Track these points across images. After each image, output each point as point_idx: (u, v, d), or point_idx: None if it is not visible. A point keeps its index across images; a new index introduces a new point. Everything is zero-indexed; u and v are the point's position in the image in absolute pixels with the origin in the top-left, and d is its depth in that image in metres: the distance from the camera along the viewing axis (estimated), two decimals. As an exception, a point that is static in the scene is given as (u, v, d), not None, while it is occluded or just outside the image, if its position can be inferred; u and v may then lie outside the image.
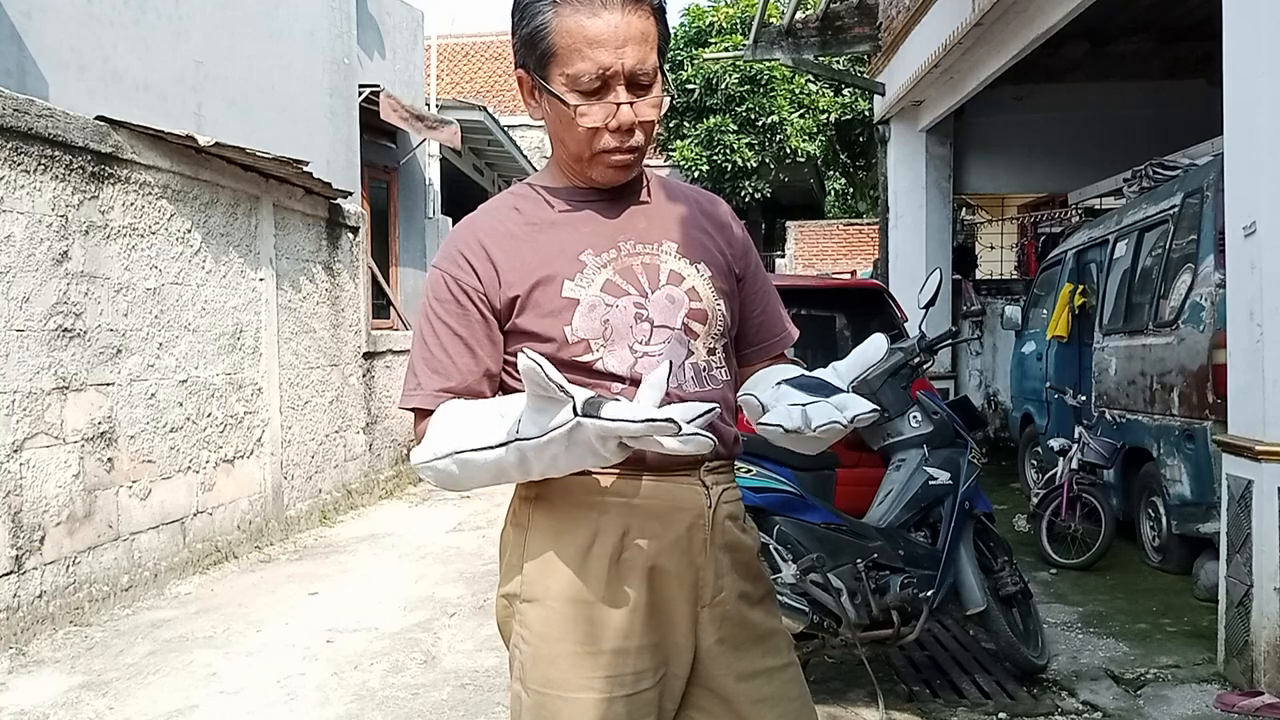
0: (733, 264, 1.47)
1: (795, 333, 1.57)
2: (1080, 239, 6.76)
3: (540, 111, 1.39)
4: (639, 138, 1.34)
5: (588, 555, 1.32)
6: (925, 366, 3.49)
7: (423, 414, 1.35)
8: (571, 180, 1.41)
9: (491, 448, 1.21)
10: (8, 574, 3.95)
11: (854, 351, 1.42)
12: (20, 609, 4.00)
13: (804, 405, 1.26)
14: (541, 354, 1.29)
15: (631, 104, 1.31)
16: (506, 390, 1.40)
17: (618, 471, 1.31)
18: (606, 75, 1.28)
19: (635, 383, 1.31)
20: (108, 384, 4.60)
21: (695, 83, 16.83)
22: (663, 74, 1.36)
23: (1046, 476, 5.70)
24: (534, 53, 1.32)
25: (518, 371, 1.33)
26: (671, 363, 1.32)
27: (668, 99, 1.39)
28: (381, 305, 8.79)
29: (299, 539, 6.20)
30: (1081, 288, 6.44)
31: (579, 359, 1.33)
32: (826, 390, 1.32)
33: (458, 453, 1.24)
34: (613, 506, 1.33)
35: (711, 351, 1.40)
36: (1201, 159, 5.14)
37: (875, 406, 1.29)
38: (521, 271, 1.35)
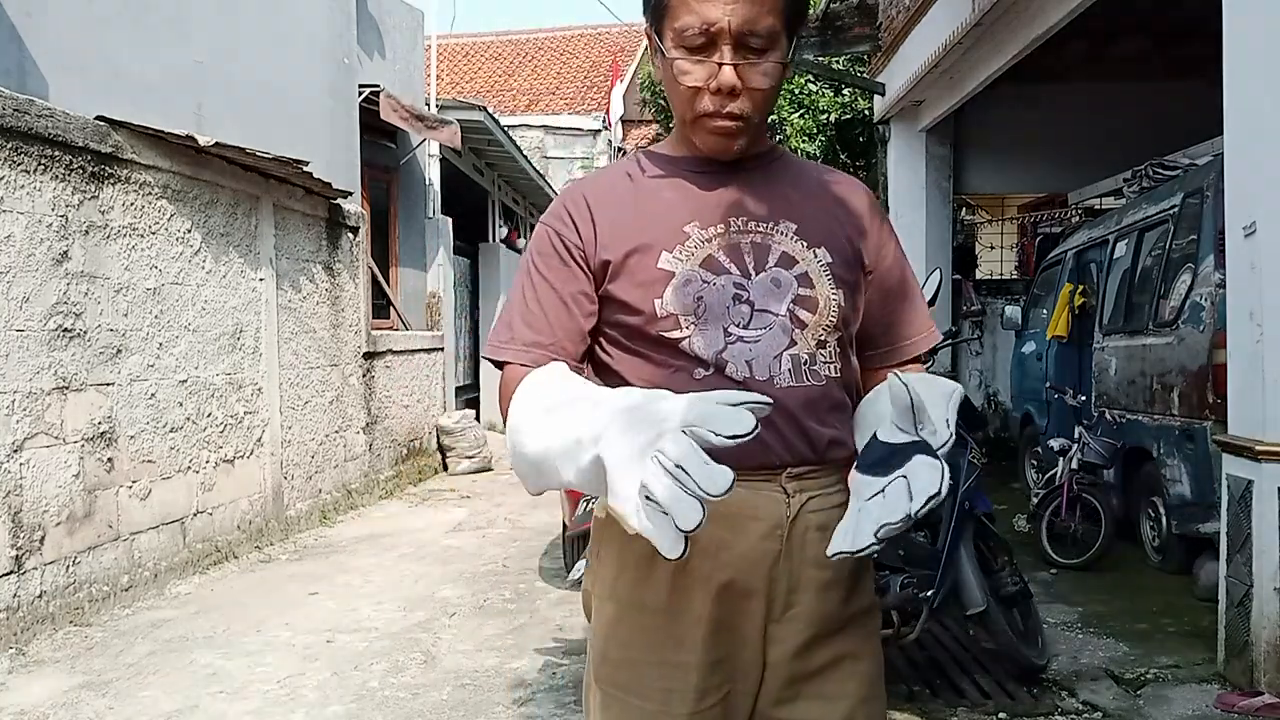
0: (862, 254, 1.34)
1: (934, 338, 1.42)
2: (1080, 239, 6.76)
3: (659, 73, 1.31)
4: (744, 105, 1.23)
5: (654, 560, 1.22)
6: (926, 366, 3.49)
7: (512, 367, 1.27)
8: (689, 149, 1.32)
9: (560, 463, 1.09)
10: (8, 574, 3.95)
11: (922, 385, 1.21)
12: (20, 609, 4.00)
13: (867, 503, 1.11)
14: (629, 327, 1.26)
15: (736, 66, 1.20)
16: (595, 360, 1.33)
17: None
18: (711, 31, 1.19)
19: (720, 369, 1.23)
20: (108, 384, 4.60)
21: (695, 83, 16.83)
22: (789, 42, 1.25)
23: (1046, 476, 5.70)
24: (651, 4, 1.26)
25: (607, 341, 1.30)
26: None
27: (782, 69, 1.25)
28: (381, 305, 8.79)
29: (299, 539, 6.20)
30: (1081, 288, 6.44)
31: (666, 334, 1.24)
32: (896, 457, 1.14)
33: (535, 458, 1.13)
34: None
35: (821, 344, 1.28)
36: (1201, 159, 5.14)
37: (947, 474, 1.11)
38: (620, 236, 1.28)
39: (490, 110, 10.09)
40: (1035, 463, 6.76)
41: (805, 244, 1.29)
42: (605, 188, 1.33)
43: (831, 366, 1.29)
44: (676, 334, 1.24)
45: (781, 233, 1.29)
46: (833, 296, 1.28)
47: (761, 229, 1.29)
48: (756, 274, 1.27)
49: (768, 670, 1.26)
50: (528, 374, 1.20)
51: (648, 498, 0.96)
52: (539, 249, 1.32)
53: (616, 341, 1.30)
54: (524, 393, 1.16)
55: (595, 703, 1.31)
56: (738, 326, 1.24)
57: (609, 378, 1.31)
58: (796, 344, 1.26)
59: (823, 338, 1.27)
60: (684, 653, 1.24)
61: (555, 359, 1.24)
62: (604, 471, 1.01)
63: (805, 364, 1.26)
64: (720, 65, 1.20)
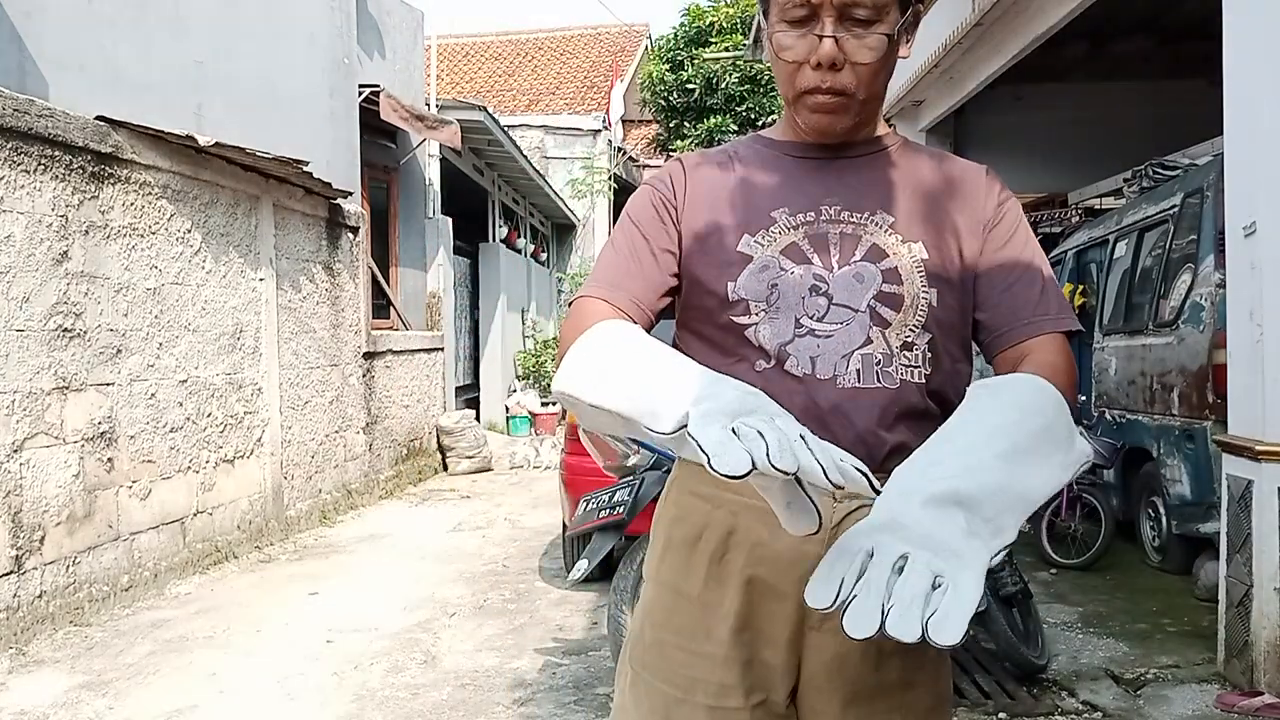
0: (967, 249, 1.23)
1: (1065, 322, 1.20)
2: (1080, 239, 6.76)
3: (766, 53, 1.26)
4: (847, 79, 1.16)
5: (695, 548, 1.22)
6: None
7: (589, 300, 1.21)
8: (794, 133, 1.27)
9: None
10: (8, 574, 3.95)
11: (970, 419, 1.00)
12: (20, 609, 4.00)
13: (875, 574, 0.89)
14: (700, 307, 1.21)
15: (838, 39, 1.14)
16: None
17: None
18: (813, 3, 1.14)
19: (780, 362, 1.17)
20: (108, 384, 4.60)
21: (695, 82, 16.83)
22: (902, 13, 1.18)
23: (1046, 476, 5.69)
24: None
25: (678, 319, 1.26)
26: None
27: (891, 43, 1.17)
28: (381, 305, 8.79)
29: (299, 539, 6.20)
30: (1081, 287, 6.44)
31: (735, 320, 1.19)
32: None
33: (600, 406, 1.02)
34: (725, 502, 1.20)
35: (907, 346, 1.18)
36: (1201, 159, 5.15)
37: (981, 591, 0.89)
38: (707, 212, 1.24)
39: (490, 110, 10.09)
40: (1035, 463, 6.74)
41: (900, 238, 1.20)
42: (707, 165, 1.30)
43: (915, 370, 1.18)
44: (745, 319, 1.19)
45: (876, 224, 1.21)
46: (923, 295, 1.19)
47: (855, 219, 1.22)
48: (840, 266, 1.19)
49: (804, 681, 1.20)
50: (610, 312, 1.16)
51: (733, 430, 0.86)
52: (636, 204, 1.29)
53: (685, 323, 1.28)
54: (609, 326, 1.09)
55: (625, 682, 1.30)
56: (810, 318, 1.17)
57: None
58: (873, 343, 1.17)
59: (909, 339, 1.18)
60: (711, 644, 1.20)
61: (636, 303, 1.20)
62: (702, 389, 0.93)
63: (879, 365, 1.17)
64: (821, 38, 1.15)
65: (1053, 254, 7.48)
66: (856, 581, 0.85)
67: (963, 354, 1.24)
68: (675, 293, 1.26)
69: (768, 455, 0.83)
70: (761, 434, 0.85)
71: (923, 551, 0.86)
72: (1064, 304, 1.22)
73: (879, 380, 1.17)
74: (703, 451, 0.84)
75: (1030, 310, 1.20)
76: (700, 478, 1.20)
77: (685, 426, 0.89)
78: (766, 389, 1.09)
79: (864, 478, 0.88)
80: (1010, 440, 0.95)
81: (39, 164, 4.19)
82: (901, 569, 0.86)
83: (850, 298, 1.18)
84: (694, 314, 1.25)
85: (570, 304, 1.24)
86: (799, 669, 1.20)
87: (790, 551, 1.16)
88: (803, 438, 0.86)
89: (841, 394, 1.16)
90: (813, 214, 1.22)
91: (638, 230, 1.26)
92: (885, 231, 1.21)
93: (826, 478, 0.84)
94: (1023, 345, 1.19)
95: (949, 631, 0.80)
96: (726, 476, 0.82)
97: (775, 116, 16.87)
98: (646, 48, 20.18)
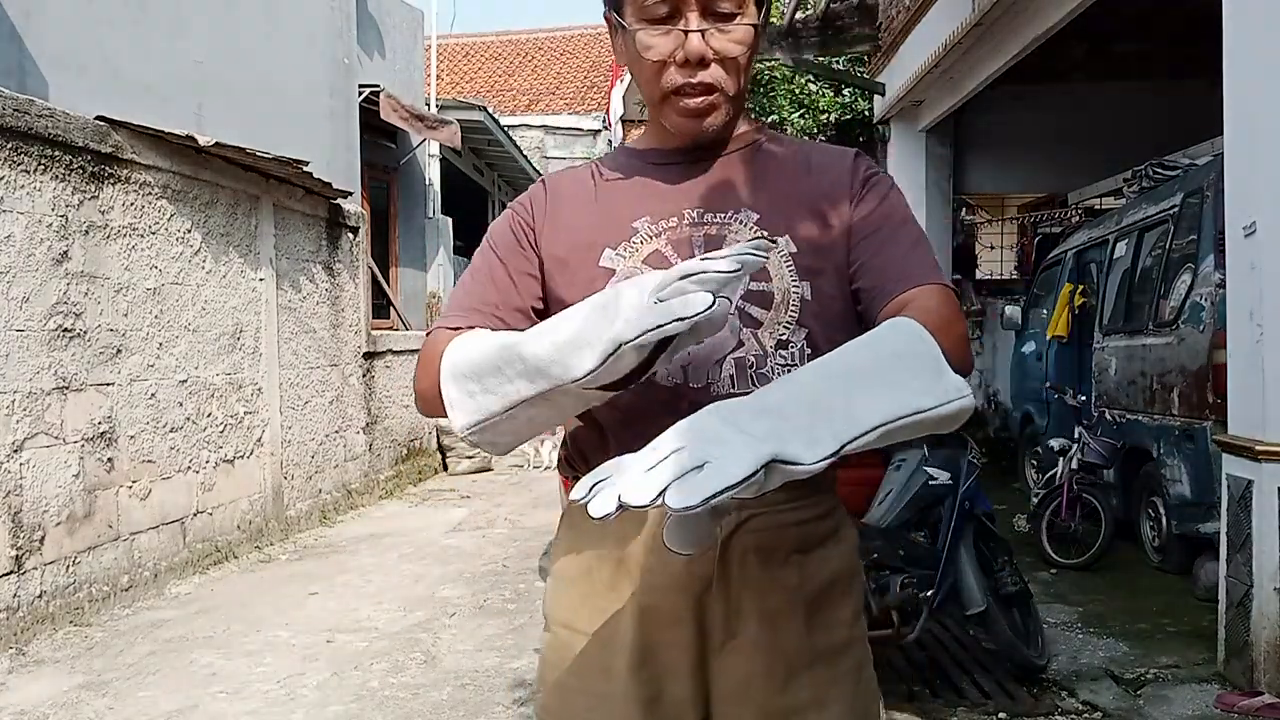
0: (838, 234, 1.19)
1: (935, 278, 1.13)
2: (1080, 239, 6.76)
3: (623, 57, 1.21)
4: (716, 74, 1.13)
5: (585, 582, 1.18)
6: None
7: (441, 330, 1.18)
8: (659, 139, 1.24)
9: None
10: (8, 574, 3.95)
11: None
12: (20, 609, 4.00)
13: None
14: None
15: (703, 33, 1.11)
16: None
17: None
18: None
19: (650, 376, 1.11)
20: (108, 384, 4.60)
21: (695, 83, 16.83)
22: (759, 5, 1.15)
23: (1046, 476, 5.70)
24: None
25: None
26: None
27: (756, 34, 1.15)
28: (381, 305, 8.79)
29: (299, 539, 6.20)
30: (1081, 288, 6.44)
31: None
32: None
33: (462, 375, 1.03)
34: (612, 532, 1.14)
35: (782, 344, 1.13)
36: (1201, 159, 5.15)
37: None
38: (569, 232, 1.20)
39: (490, 110, 10.10)
40: (1035, 463, 6.76)
41: (766, 234, 1.16)
42: (571, 183, 1.26)
43: (792, 369, 1.10)
44: None
45: (740, 223, 1.17)
46: (795, 289, 1.14)
47: (719, 220, 1.17)
48: None
49: (714, 711, 1.15)
50: (459, 334, 1.12)
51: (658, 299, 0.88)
52: (495, 231, 1.26)
53: None
54: (459, 342, 1.07)
55: None
56: None
57: None
58: (745, 345, 1.12)
59: (784, 336, 1.13)
60: (610, 683, 1.15)
61: (498, 320, 1.17)
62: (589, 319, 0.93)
63: (752, 367, 1.12)
64: (686, 33, 1.11)
65: (1053, 254, 7.49)
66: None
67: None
68: (541, 316, 1.19)
69: (715, 273, 0.87)
70: (685, 276, 0.88)
71: (699, 444, 0.80)
72: (935, 264, 1.17)
73: (754, 383, 1.11)
74: (663, 326, 0.87)
75: (899, 267, 1.14)
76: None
77: (619, 345, 0.88)
78: (637, 405, 1.09)
79: (759, 246, 0.93)
80: (842, 362, 0.90)
81: (39, 164, 4.19)
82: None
83: None
84: None
85: (427, 334, 1.20)
86: (708, 699, 1.15)
87: (682, 575, 1.12)
88: (703, 269, 0.89)
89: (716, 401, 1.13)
90: (675, 219, 1.18)
91: (495, 255, 1.23)
92: (750, 229, 1.17)
93: (741, 267, 0.89)
94: (897, 300, 1.11)
95: (684, 496, 0.75)
96: (705, 313, 0.86)
97: (775, 116, 16.83)
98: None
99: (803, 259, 1.16)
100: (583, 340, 0.92)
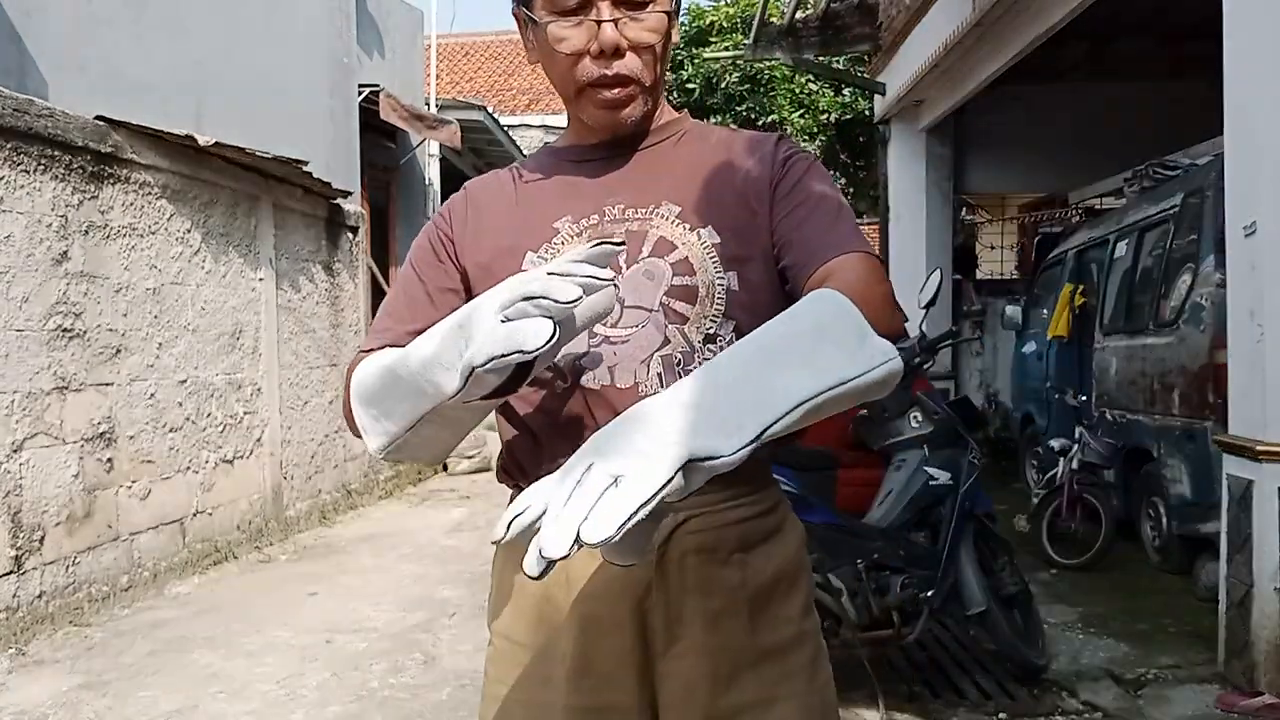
0: (761, 221, 1.15)
1: (859, 247, 1.09)
2: (1080, 239, 6.76)
3: (535, 53, 1.18)
4: (632, 65, 1.11)
5: (523, 592, 1.16)
6: (926, 366, 3.49)
7: (362, 357, 1.17)
8: (579, 136, 1.22)
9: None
10: (8, 574, 3.95)
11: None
12: (20, 609, 4.00)
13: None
14: None
15: (616, 22, 1.08)
16: None
17: None
18: None
19: (577, 378, 1.10)
20: (107, 384, 4.60)
21: (695, 82, 16.83)
22: None
23: (1047, 477, 5.70)
24: None
25: None
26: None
27: (670, 21, 1.13)
28: (381, 305, 8.80)
29: (299, 539, 6.20)
30: (1082, 288, 6.44)
31: None
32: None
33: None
34: None
35: (710, 339, 1.10)
36: (1201, 159, 5.14)
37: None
38: (489, 237, 1.18)
39: (490, 110, 10.10)
40: (1035, 463, 6.76)
41: (688, 226, 1.13)
42: (491, 189, 1.24)
43: None
44: None
45: (662, 216, 1.14)
46: (719, 281, 1.11)
47: (640, 214, 1.14)
48: (628, 266, 1.12)
49: (662, 717, 1.12)
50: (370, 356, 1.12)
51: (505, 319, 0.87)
52: (416, 246, 1.24)
53: None
54: (362, 366, 1.09)
55: None
56: (604, 326, 1.09)
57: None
58: (671, 341, 1.10)
59: (711, 330, 1.11)
60: (550, 692, 1.13)
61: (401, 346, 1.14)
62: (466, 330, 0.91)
63: (680, 364, 1.09)
64: (599, 24, 1.08)
65: (1053, 254, 7.49)
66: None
67: None
68: None
69: (554, 303, 0.86)
70: (528, 298, 0.87)
71: (610, 458, 0.76)
72: (858, 232, 1.13)
73: None
74: (506, 356, 0.85)
75: (820, 239, 1.10)
76: None
77: (472, 369, 0.88)
78: (567, 410, 1.09)
79: (604, 252, 0.93)
80: (758, 343, 0.87)
81: (39, 164, 4.19)
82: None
83: (641, 298, 1.11)
84: None
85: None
86: (654, 706, 1.12)
87: (619, 581, 1.09)
88: (551, 273, 0.89)
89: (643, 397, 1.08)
90: (596, 216, 1.15)
91: (414, 274, 1.22)
92: (672, 222, 1.14)
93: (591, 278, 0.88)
94: (820, 272, 1.07)
95: (600, 528, 0.71)
96: (548, 345, 0.85)
97: (775, 116, 16.82)
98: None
99: (726, 249, 1.13)
100: (443, 362, 0.92)
